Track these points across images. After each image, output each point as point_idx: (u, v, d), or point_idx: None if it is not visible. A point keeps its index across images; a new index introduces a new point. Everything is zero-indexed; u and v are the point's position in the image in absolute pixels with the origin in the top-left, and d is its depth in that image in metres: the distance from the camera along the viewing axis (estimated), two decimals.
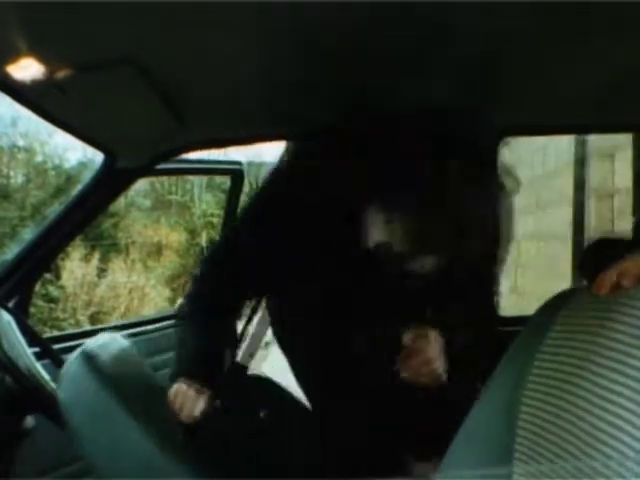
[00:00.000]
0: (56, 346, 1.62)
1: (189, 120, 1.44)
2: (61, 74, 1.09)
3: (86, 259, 7.77)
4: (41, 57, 1.05)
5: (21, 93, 1.19)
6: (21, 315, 1.45)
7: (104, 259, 8.42)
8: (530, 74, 1.29)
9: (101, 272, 8.09)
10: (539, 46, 1.13)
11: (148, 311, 8.17)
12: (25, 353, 1.30)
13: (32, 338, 1.44)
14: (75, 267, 7.49)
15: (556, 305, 0.76)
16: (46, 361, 1.47)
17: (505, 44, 1.12)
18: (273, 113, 1.41)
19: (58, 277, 7.26)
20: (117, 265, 8.34)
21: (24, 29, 0.96)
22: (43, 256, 1.71)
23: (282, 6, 0.92)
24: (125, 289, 8.04)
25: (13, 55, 1.03)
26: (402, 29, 1.01)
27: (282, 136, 1.69)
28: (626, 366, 0.58)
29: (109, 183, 1.70)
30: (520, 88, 1.39)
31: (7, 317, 1.35)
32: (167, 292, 9.04)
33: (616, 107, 1.51)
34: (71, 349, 1.53)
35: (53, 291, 7.06)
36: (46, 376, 1.31)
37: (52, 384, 1.30)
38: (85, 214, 1.72)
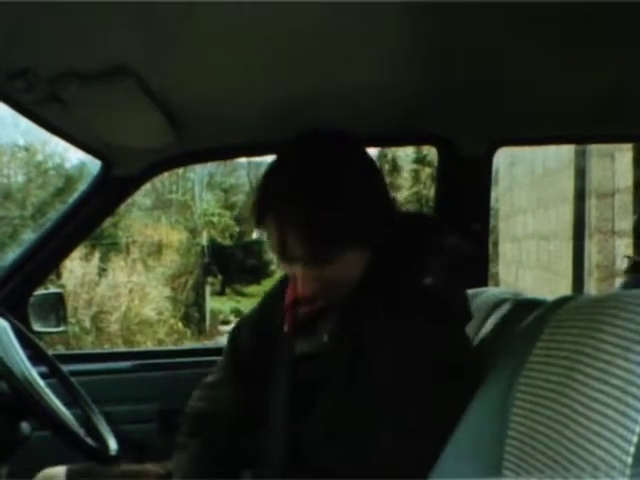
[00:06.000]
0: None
1: (187, 130, 1.44)
2: (59, 84, 1.09)
3: (86, 258, 7.80)
4: (39, 67, 1.05)
5: (20, 102, 1.19)
6: (17, 322, 1.45)
7: (104, 258, 8.45)
8: (527, 85, 1.29)
9: (102, 271, 8.11)
10: (536, 56, 1.13)
11: (149, 311, 8.20)
12: (20, 359, 1.30)
13: (28, 346, 1.44)
14: (75, 266, 7.52)
15: (546, 314, 0.76)
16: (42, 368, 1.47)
17: (501, 54, 1.12)
18: (272, 123, 1.41)
19: (58, 276, 7.28)
20: (117, 264, 8.37)
21: (22, 39, 0.96)
22: (41, 264, 1.71)
23: (280, 16, 0.92)
24: (126, 288, 8.07)
25: (12, 65, 1.04)
26: None
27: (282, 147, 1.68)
28: (610, 375, 0.58)
29: (106, 191, 1.70)
30: (516, 99, 1.39)
31: (3, 323, 1.35)
32: (167, 291, 9.07)
33: (615, 118, 1.51)
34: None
35: None
36: (41, 382, 1.31)
37: (47, 390, 1.31)
38: (84, 222, 1.71)
